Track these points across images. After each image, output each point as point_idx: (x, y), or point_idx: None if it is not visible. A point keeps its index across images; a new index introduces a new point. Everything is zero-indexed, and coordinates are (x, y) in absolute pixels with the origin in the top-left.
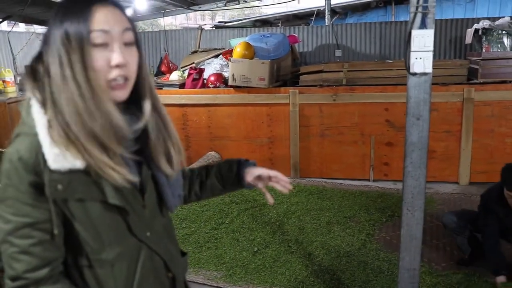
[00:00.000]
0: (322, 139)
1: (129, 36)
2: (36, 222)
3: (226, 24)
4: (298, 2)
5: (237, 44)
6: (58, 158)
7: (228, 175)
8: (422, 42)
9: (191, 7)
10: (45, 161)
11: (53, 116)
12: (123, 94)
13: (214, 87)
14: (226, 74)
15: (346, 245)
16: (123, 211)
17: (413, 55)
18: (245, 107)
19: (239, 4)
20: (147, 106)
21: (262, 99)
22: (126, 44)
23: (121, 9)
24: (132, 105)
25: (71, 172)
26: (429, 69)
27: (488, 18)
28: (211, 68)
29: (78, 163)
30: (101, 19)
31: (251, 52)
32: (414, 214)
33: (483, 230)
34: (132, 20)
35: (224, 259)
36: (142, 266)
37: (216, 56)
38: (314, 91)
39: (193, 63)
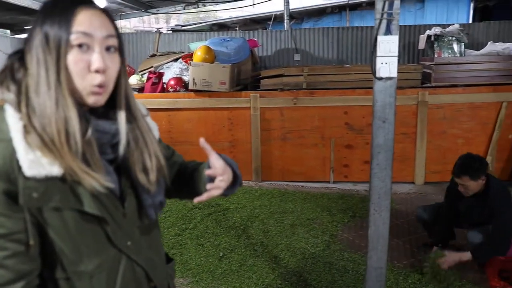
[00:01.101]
0: (283, 143)
1: (113, 42)
2: (10, 233)
3: (183, 27)
4: (253, 7)
5: (198, 48)
6: (34, 164)
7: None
8: (387, 47)
9: (149, 10)
10: (19, 167)
11: (28, 120)
12: (100, 100)
13: (174, 91)
14: (186, 78)
15: (310, 246)
16: (102, 221)
17: (379, 60)
18: (206, 111)
19: (198, 7)
20: (121, 115)
21: (223, 103)
22: (109, 49)
23: (108, 14)
24: (112, 110)
25: (47, 179)
26: (394, 73)
27: (439, 25)
28: (171, 72)
29: (54, 170)
30: (84, 21)
31: (211, 56)
32: (381, 214)
33: (442, 212)
34: (117, 27)
35: (189, 265)
36: (122, 277)
37: (176, 60)
38: (275, 95)
39: (152, 66)
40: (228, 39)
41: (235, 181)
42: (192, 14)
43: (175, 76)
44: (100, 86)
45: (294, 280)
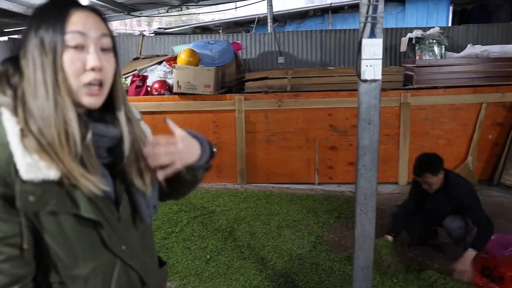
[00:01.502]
0: (268, 145)
1: (107, 41)
2: (5, 237)
3: (167, 30)
4: (236, 10)
5: (182, 51)
6: (31, 168)
7: None
8: (372, 50)
9: (132, 13)
10: (16, 171)
11: (24, 124)
12: (97, 101)
13: (158, 95)
14: (170, 81)
15: (297, 248)
16: (97, 225)
17: (363, 63)
18: (190, 114)
19: (181, 10)
20: (122, 115)
21: (207, 106)
22: (104, 50)
23: (100, 15)
24: (107, 114)
25: (44, 183)
26: (378, 76)
27: (420, 28)
28: (155, 75)
29: (51, 174)
30: (78, 22)
31: (196, 59)
32: (367, 214)
33: (403, 205)
34: (110, 28)
35: (177, 268)
36: (117, 281)
37: (159, 62)
38: (259, 98)
39: (136, 70)
40: (212, 42)
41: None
42: (175, 17)
43: (159, 79)
44: (97, 85)
45: (281, 281)
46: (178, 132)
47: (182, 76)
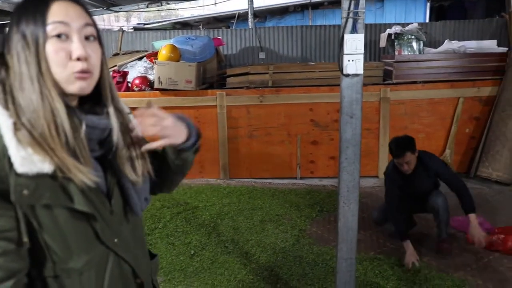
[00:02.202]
0: (250, 140)
1: (91, 30)
2: (0, 231)
3: (146, 26)
4: (215, 5)
5: (163, 47)
6: (25, 161)
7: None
8: (354, 45)
9: (111, 8)
10: (10, 164)
11: (16, 117)
12: (87, 85)
13: (139, 90)
14: (151, 77)
15: (280, 241)
16: (91, 218)
17: (345, 58)
18: (172, 110)
19: (161, 5)
20: (110, 106)
21: (189, 101)
22: (88, 39)
23: (81, 5)
24: (97, 105)
25: (38, 176)
26: (360, 70)
27: (399, 24)
28: (135, 71)
29: (45, 167)
30: (59, 12)
31: (177, 55)
32: (350, 206)
33: (387, 201)
34: (92, 17)
35: (161, 264)
36: (110, 274)
37: (140, 58)
38: (241, 93)
39: (116, 65)
40: (193, 38)
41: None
42: (153, 12)
43: (139, 75)
44: (84, 71)
45: (266, 275)
46: (164, 113)
47: (163, 72)
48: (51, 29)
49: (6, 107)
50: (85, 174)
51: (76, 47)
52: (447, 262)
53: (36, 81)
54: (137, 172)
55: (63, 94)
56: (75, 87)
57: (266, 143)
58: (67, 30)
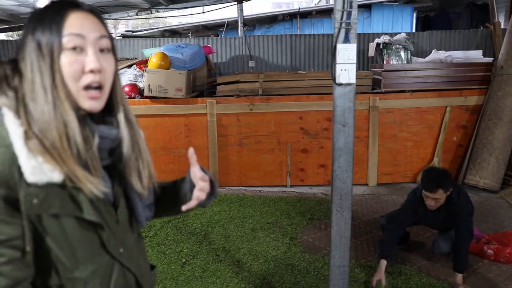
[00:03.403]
0: (240, 148)
1: (106, 42)
2: (8, 239)
3: (135, 33)
4: (203, 13)
5: (153, 55)
6: (36, 170)
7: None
8: (346, 55)
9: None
10: (21, 174)
11: (27, 126)
12: (98, 104)
13: (129, 98)
14: (141, 85)
15: (272, 249)
16: (98, 227)
17: (338, 67)
18: (162, 118)
19: (151, 14)
20: (121, 117)
21: (179, 109)
22: (102, 51)
23: (98, 16)
24: (108, 115)
25: (48, 185)
26: (353, 79)
27: (387, 34)
28: (125, 78)
29: (55, 176)
30: (75, 24)
31: (167, 63)
32: (342, 214)
33: (395, 218)
34: (108, 28)
35: None
36: (115, 283)
37: (129, 66)
38: (231, 101)
39: None
40: (183, 46)
41: (212, 194)
42: (141, 20)
43: (129, 82)
44: (97, 88)
45: (257, 283)
46: (201, 173)
47: (154, 80)
48: (66, 41)
49: (18, 115)
50: (95, 185)
51: (90, 60)
52: (438, 269)
53: (49, 92)
54: (143, 183)
55: (76, 106)
56: (86, 104)
57: (256, 151)
58: (83, 43)
